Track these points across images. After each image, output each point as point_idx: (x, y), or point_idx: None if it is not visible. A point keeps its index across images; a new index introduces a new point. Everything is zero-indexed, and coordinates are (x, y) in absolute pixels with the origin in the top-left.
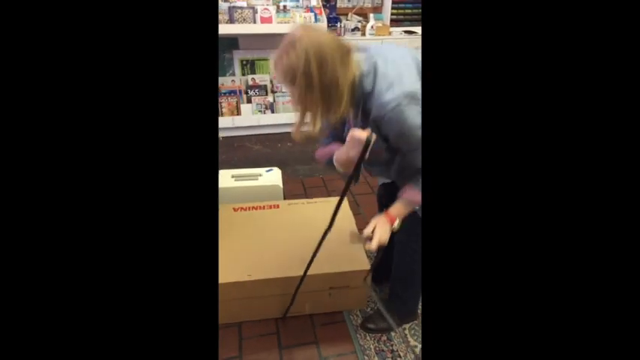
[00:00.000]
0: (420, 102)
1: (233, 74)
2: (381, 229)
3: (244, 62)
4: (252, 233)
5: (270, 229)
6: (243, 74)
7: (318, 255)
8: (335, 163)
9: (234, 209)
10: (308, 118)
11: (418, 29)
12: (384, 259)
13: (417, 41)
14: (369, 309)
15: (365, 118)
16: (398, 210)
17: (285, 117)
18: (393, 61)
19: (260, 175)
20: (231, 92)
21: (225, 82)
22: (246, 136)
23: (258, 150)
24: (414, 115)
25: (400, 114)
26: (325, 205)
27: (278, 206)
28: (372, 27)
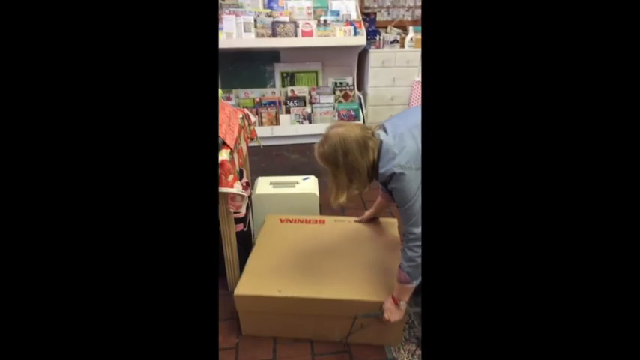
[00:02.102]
0: (411, 169)
1: (273, 86)
2: (390, 313)
3: (284, 74)
4: (293, 247)
5: (312, 246)
6: (283, 86)
7: (350, 277)
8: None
9: (281, 220)
10: (338, 191)
11: None
12: None
13: None
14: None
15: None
16: (398, 293)
17: (322, 127)
18: (401, 135)
19: (297, 182)
20: (271, 103)
21: (265, 93)
22: (284, 145)
23: (295, 159)
24: (403, 181)
25: (394, 181)
26: (372, 226)
27: (324, 222)
28: (410, 39)
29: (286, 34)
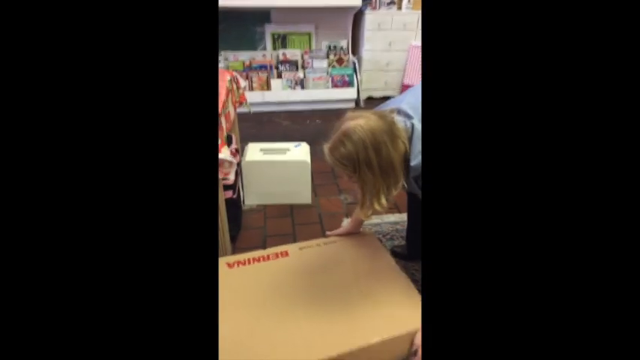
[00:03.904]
0: None
1: (264, 48)
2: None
3: (276, 36)
4: (255, 303)
5: (280, 297)
6: (275, 49)
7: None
8: None
9: (229, 265)
10: (374, 197)
11: None
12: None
13: None
14: None
15: (408, 177)
16: None
17: (314, 94)
18: None
19: (288, 149)
20: (262, 67)
21: (256, 56)
22: (276, 111)
23: (287, 126)
24: None
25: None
26: (348, 243)
27: (287, 253)
28: (408, 1)
29: None
